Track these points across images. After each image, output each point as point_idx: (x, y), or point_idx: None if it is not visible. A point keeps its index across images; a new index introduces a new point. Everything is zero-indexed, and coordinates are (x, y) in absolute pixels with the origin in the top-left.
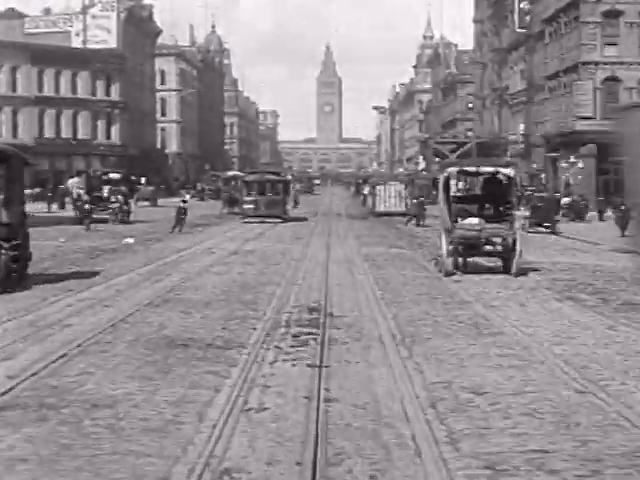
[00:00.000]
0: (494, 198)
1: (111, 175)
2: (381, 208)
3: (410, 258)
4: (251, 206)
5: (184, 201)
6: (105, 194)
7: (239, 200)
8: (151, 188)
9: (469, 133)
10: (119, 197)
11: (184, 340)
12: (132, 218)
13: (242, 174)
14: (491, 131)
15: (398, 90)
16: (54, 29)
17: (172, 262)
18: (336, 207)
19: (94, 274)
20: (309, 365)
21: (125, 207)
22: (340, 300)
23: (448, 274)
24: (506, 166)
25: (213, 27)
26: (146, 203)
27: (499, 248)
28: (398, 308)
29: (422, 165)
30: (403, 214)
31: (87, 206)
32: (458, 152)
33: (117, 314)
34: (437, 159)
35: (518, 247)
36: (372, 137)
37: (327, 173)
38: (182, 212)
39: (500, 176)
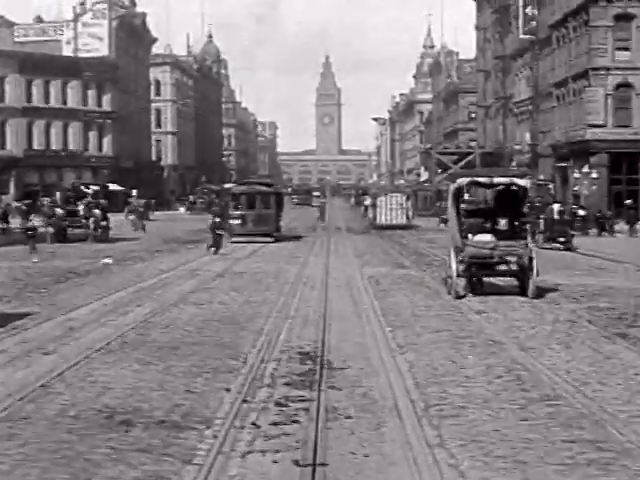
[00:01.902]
0: (507, 212)
1: (91, 187)
2: (382, 221)
3: (419, 281)
4: (238, 222)
5: (216, 215)
6: (80, 208)
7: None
8: (143, 201)
9: (472, 143)
10: (96, 212)
11: (128, 413)
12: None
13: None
14: (495, 141)
15: (398, 100)
16: (44, 37)
17: (148, 288)
18: (335, 220)
19: (52, 304)
20: (297, 463)
21: (104, 223)
22: (341, 341)
23: (458, 296)
24: (521, 176)
25: (210, 37)
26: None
27: (514, 267)
28: (414, 353)
29: (424, 176)
30: (405, 227)
31: (31, 223)
32: (461, 163)
33: (55, 366)
34: (439, 170)
35: (535, 266)
36: (372, 148)
37: (326, 184)
38: (217, 226)
39: (514, 188)
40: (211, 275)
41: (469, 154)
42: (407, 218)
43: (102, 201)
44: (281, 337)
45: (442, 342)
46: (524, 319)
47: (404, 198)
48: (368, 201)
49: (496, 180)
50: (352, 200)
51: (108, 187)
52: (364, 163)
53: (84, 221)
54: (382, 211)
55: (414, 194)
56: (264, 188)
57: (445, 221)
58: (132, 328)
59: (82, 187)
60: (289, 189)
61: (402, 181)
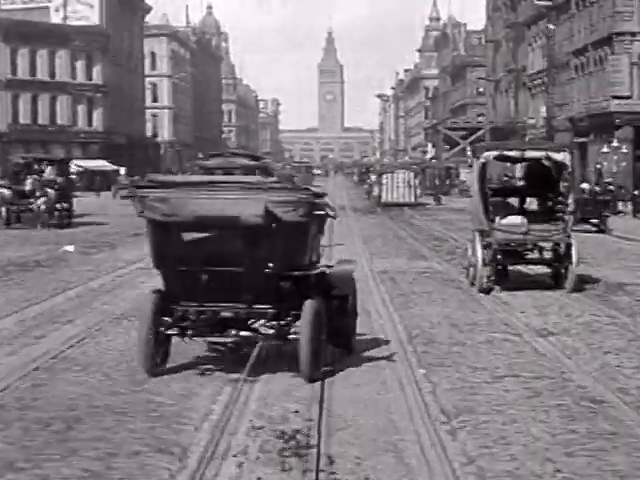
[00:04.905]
0: (540, 190)
1: (48, 162)
2: (389, 199)
3: (446, 277)
4: None
5: None
6: (27, 188)
7: None
8: (131, 178)
9: (480, 118)
10: (50, 191)
11: None
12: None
13: None
14: (506, 116)
15: (402, 77)
16: (32, 5)
17: (97, 289)
18: (339, 199)
19: None
20: None
21: (65, 205)
22: (350, 402)
23: (484, 289)
24: (558, 150)
25: (209, 8)
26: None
27: (548, 255)
28: (475, 436)
29: (430, 153)
30: (413, 205)
31: None
32: (471, 138)
33: None
34: (448, 146)
35: (575, 255)
36: (375, 126)
37: (329, 162)
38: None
39: (547, 162)
40: None
41: (479, 129)
42: (415, 196)
43: (59, 179)
44: (253, 394)
45: (513, 404)
46: (615, 348)
47: (412, 175)
48: (372, 178)
49: (528, 154)
50: (355, 177)
51: (68, 162)
52: (367, 140)
53: (32, 201)
54: (389, 189)
55: (422, 171)
56: (247, 161)
57: (439, 200)
58: (33, 370)
59: (35, 163)
60: (287, 166)
61: (407, 158)
